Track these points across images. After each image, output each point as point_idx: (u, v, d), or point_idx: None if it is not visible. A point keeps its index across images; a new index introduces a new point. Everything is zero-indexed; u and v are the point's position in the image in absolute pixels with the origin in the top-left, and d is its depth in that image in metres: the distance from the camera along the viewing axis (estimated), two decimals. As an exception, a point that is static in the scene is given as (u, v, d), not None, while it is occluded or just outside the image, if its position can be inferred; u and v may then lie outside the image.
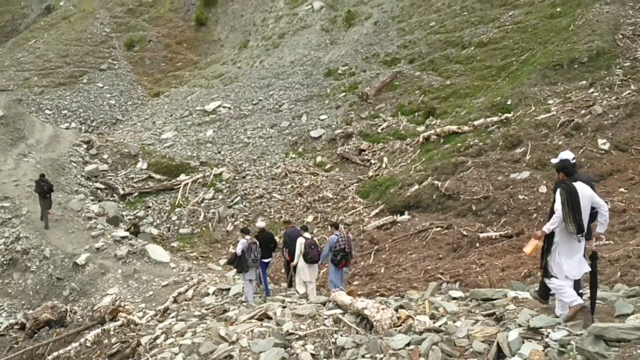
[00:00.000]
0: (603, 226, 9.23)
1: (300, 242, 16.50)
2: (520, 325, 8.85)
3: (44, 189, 25.00)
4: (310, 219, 27.19)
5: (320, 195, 29.00)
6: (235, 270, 17.03)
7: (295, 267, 16.96)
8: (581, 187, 8.97)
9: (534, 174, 22.72)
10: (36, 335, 19.13)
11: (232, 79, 45.15)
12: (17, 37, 61.44)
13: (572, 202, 8.78)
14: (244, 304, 16.05)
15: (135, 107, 46.86)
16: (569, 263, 8.97)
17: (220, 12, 56.57)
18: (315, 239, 17.10)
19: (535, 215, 20.92)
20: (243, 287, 16.84)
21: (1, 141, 32.79)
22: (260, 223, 19.80)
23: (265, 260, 17.57)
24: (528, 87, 29.10)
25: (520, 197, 21.85)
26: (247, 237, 16.36)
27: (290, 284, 18.14)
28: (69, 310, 20.14)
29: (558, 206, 8.84)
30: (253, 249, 16.10)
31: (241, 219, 28.24)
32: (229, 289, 18.32)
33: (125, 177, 33.32)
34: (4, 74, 50.88)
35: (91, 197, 29.96)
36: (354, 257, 17.54)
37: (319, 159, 32.74)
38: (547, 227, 9.01)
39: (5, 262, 23.66)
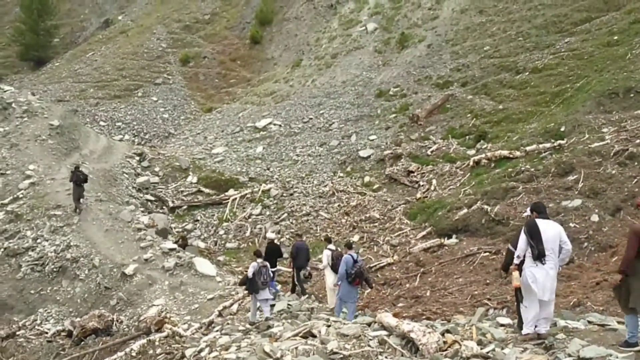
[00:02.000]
0: (562, 261, 10.99)
1: (326, 254, 18.15)
2: (570, 355, 8.70)
3: (79, 178, 26.83)
4: (356, 238, 27.12)
5: (367, 215, 28.93)
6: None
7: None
8: (547, 223, 10.76)
9: (586, 202, 22.27)
10: (82, 343, 19.48)
11: (284, 97, 45.50)
12: (75, 49, 63.07)
13: (531, 233, 10.53)
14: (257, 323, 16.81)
15: (188, 122, 47.57)
16: (534, 286, 10.37)
17: (275, 31, 57.13)
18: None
19: (586, 244, 20.49)
20: (250, 308, 17.77)
21: (56, 150, 33.61)
22: (270, 234, 22.85)
23: (272, 269, 18.63)
24: (582, 115, 28.62)
25: (572, 224, 21.41)
26: (259, 260, 17.44)
27: (294, 290, 20.69)
28: (115, 319, 20.45)
29: (521, 239, 10.75)
30: (263, 272, 17.11)
31: (287, 236, 28.32)
32: (273, 305, 18.36)
33: (175, 190, 33.77)
34: (61, 85, 52.25)
35: (141, 209, 30.47)
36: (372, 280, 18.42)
37: (367, 178, 32.69)
38: (515, 260, 10.90)
39: (55, 269, 24.17)
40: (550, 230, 10.67)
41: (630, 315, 9.73)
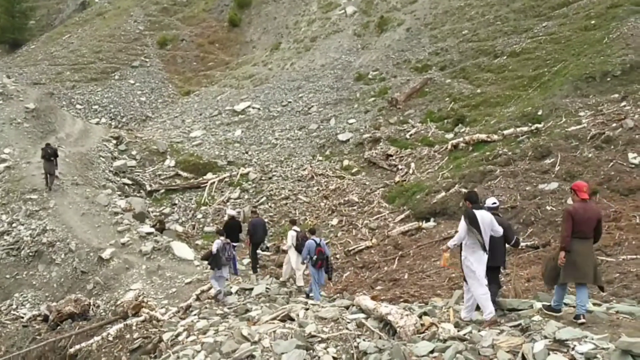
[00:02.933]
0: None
1: (291, 235, 18.91)
2: (546, 337, 8.73)
3: (47, 153, 27.06)
4: (335, 221, 27.20)
5: (346, 198, 28.97)
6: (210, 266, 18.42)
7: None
8: (481, 214, 11.24)
9: (562, 185, 22.46)
10: (59, 327, 19.33)
11: (263, 80, 45.29)
12: (51, 32, 62.26)
13: (471, 223, 11.02)
14: (218, 297, 17.97)
15: (166, 105, 47.20)
16: (479, 269, 10.95)
17: (253, 13, 56.73)
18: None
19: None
20: (211, 282, 18.54)
21: (32, 134, 33.28)
22: (231, 212, 23.36)
23: (234, 244, 19.51)
24: (559, 99, 28.81)
25: (548, 208, 21.64)
26: (222, 238, 18.17)
27: (255, 269, 21.37)
28: (92, 304, 20.33)
29: (460, 228, 11.22)
30: (227, 249, 18.03)
31: (266, 219, 28.31)
32: (251, 289, 18.36)
33: (152, 173, 33.59)
34: (37, 68, 51.58)
35: (118, 193, 30.28)
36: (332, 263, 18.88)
37: (345, 162, 32.72)
38: (450, 244, 11.61)
39: (31, 253, 23.97)
40: (485, 219, 11.27)
41: (561, 286, 10.78)
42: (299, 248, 18.34)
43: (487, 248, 11.06)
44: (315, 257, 17.02)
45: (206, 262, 18.97)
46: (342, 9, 50.23)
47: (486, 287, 10.90)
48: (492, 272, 11.60)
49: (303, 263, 18.19)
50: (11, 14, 63.48)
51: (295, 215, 28.27)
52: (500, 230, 11.37)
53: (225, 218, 29.02)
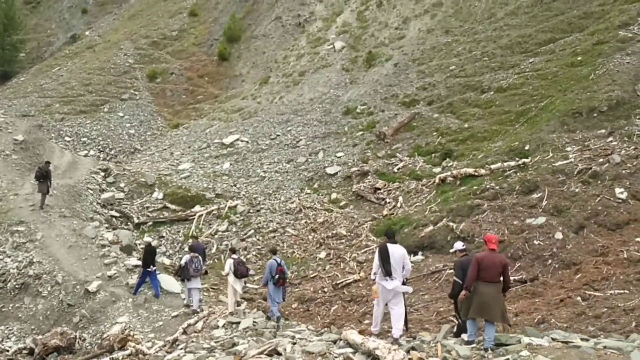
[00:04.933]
0: (405, 276, 14.77)
1: (229, 263, 20.50)
2: (534, 371, 8.73)
3: (38, 174, 28.38)
4: (323, 255, 27.14)
5: (334, 231, 28.94)
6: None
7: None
8: (394, 247, 14.47)
9: (550, 220, 22.59)
10: (44, 360, 19.12)
11: (252, 113, 45.44)
12: (41, 64, 62.36)
13: (381, 255, 14.27)
14: (189, 308, 21.01)
15: (154, 138, 47.19)
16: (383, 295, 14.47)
17: (242, 48, 57.11)
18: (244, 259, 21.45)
19: (550, 261, 20.79)
20: (183, 294, 22.13)
21: (20, 166, 33.19)
22: (148, 239, 25.95)
23: (153, 268, 22.69)
24: (546, 134, 29.05)
25: (536, 242, 21.71)
26: (192, 253, 21.33)
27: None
28: (78, 337, 20.20)
29: (375, 259, 14.63)
30: (195, 262, 20.94)
31: (254, 252, 28.23)
32: (239, 323, 18.28)
33: (140, 206, 33.44)
34: (26, 100, 51.51)
35: (106, 225, 30.13)
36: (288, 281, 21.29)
37: (334, 195, 32.72)
38: (372, 276, 14.95)
39: (17, 286, 23.80)
40: (397, 252, 14.40)
41: (470, 321, 12.66)
42: (236, 274, 20.31)
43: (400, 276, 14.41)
44: (277, 276, 18.52)
45: (177, 275, 21.82)
46: (331, 44, 50.67)
47: (382, 308, 14.80)
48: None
49: (265, 284, 19.42)
50: (1, 46, 63.83)
51: (283, 248, 28.24)
52: (408, 266, 14.73)
53: (214, 250, 29.13)
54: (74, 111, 49.51)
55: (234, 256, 21.00)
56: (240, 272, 20.42)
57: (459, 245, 14.77)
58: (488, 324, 12.02)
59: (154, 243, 25.92)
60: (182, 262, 20.84)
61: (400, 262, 14.28)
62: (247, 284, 23.60)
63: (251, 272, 24.23)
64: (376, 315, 14.88)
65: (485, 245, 13.02)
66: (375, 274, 14.51)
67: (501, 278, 12.55)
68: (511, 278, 19.81)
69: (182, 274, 20.80)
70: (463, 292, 12.60)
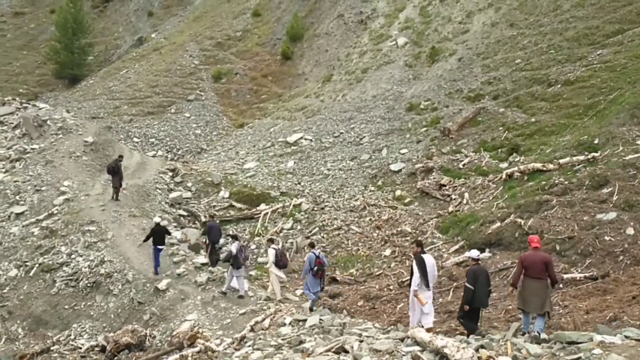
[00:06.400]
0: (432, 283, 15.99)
1: (272, 253, 21.98)
2: (607, 370, 8.52)
3: (110, 169, 29.95)
4: (388, 252, 27.05)
5: (399, 229, 28.78)
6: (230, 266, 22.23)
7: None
8: (427, 257, 15.68)
9: (621, 215, 21.96)
10: (116, 358, 19.62)
11: (315, 111, 45.62)
12: (109, 67, 64.05)
13: (421, 267, 15.19)
14: (226, 291, 22.31)
15: (220, 137, 47.93)
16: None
17: (305, 46, 57.38)
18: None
19: (621, 257, 20.22)
20: (227, 278, 22.65)
21: (90, 167, 34.06)
22: (157, 219, 25.14)
23: (160, 247, 23.76)
24: (616, 127, 28.26)
25: (607, 238, 21.15)
26: (237, 242, 22.43)
27: (213, 265, 24.95)
28: (148, 334, 20.54)
29: (415, 271, 15.37)
30: (244, 251, 22.26)
31: (319, 250, 28.29)
32: (305, 320, 18.33)
33: (207, 205, 33.93)
34: (96, 102, 53.05)
35: (174, 224, 30.66)
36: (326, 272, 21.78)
37: (398, 192, 32.55)
38: (413, 287, 15.59)
39: (89, 284, 24.35)
40: (430, 262, 15.61)
41: (524, 313, 14.18)
42: (278, 264, 21.94)
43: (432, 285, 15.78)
44: (316, 267, 19.86)
45: (228, 263, 22.39)
46: (394, 40, 50.38)
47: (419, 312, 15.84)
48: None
49: (305, 275, 20.80)
50: (70, 50, 65.65)
51: (348, 246, 28.25)
52: (436, 273, 15.98)
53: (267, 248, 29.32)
54: (142, 112, 50.74)
55: (276, 247, 22.83)
56: (283, 262, 22.21)
57: (474, 253, 15.55)
58: (538, 316, 13.59)
59: (163, 223, 26.26)
60: (233, 250, 21.73)
61: (433, 272, 15.60)
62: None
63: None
64: (415, 317, 16.05)
65: (529, 245, 14.39)
66: (418, 285, 15.48)
67: (546, 274, 13.75)
68: (579, 275, 19.57)
69: (234, 262, 21.75)
70: (510, 289, 14.87)
